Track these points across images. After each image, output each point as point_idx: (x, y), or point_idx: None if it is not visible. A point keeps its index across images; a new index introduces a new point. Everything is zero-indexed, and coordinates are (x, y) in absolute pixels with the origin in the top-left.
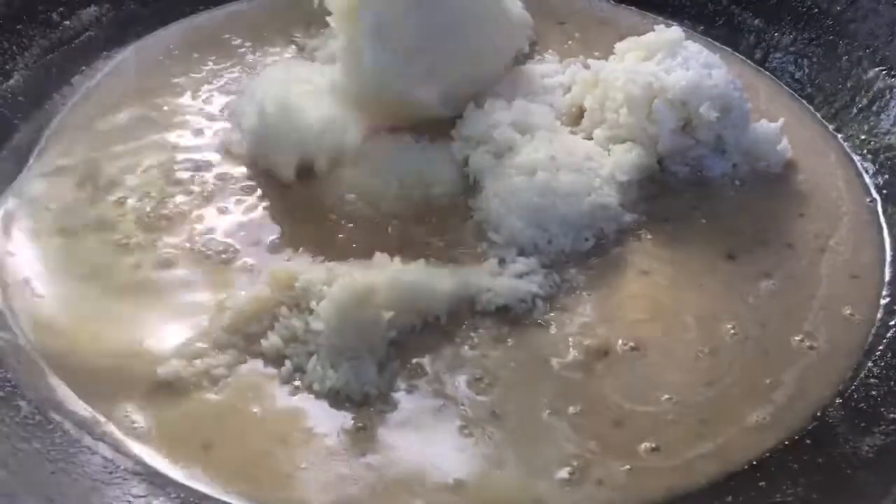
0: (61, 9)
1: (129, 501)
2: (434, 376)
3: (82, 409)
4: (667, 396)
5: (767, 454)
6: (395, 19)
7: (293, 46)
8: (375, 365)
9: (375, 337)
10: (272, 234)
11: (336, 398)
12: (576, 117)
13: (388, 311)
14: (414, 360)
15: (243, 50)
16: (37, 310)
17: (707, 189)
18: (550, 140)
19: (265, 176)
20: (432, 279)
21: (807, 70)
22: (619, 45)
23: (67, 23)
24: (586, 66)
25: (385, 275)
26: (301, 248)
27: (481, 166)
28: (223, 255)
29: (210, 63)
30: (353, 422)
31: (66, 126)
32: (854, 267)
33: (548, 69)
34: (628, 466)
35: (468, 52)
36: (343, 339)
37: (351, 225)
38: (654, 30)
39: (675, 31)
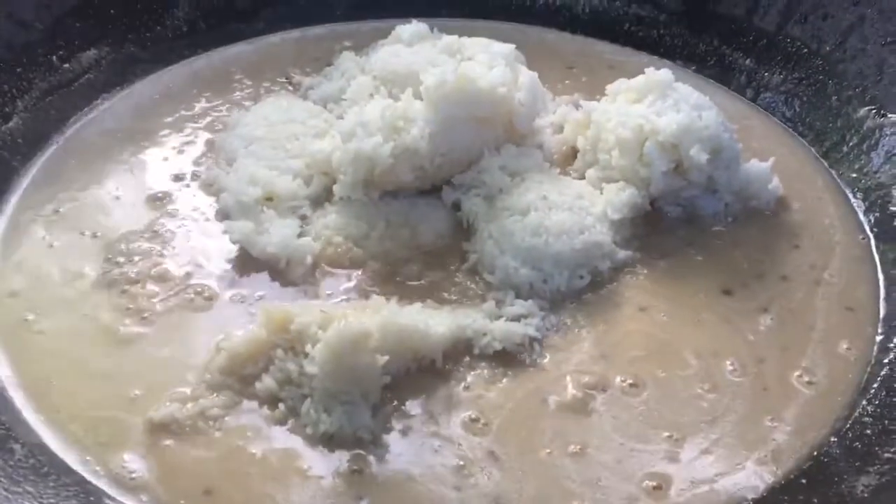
0: (61, 52)
1: None
2: (429, 418)
3: (76, 456)
4: (667, 434)
5: (764, 494)
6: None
7: (289, 87)
8: (369, 409)
9: (370, 382)
10: (255, 272)
11: (330, 442)
12: (568, 157)
13: (383, 355)
14: (409, 402)
15: (238, 87)
16: (30, 352)
17: (700, 226)
18: (541, 181)
19: None
20: (428, 322)
21: (797, 109)
22: (610, 87)
23: (67, 66)
24: (577, 106)
25: (380, 318)
26: (289, 288)
27: (474, 209)
28: (205, 296)
29: (203, 101)
30: (348, 464)
31: (55, 170)
32: (849, 299)
33: None
34: None
35: (469, 157)
36: (337, 384)
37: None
38: (643, 72)
39: (664, 73)
